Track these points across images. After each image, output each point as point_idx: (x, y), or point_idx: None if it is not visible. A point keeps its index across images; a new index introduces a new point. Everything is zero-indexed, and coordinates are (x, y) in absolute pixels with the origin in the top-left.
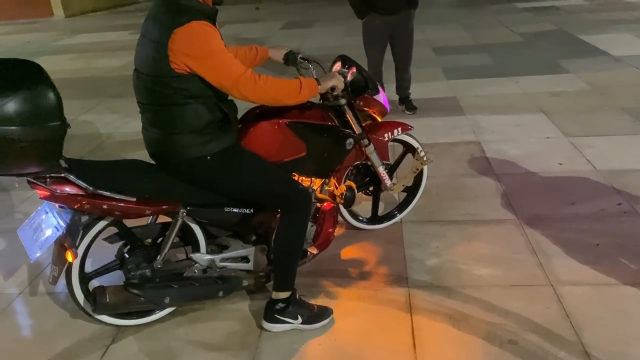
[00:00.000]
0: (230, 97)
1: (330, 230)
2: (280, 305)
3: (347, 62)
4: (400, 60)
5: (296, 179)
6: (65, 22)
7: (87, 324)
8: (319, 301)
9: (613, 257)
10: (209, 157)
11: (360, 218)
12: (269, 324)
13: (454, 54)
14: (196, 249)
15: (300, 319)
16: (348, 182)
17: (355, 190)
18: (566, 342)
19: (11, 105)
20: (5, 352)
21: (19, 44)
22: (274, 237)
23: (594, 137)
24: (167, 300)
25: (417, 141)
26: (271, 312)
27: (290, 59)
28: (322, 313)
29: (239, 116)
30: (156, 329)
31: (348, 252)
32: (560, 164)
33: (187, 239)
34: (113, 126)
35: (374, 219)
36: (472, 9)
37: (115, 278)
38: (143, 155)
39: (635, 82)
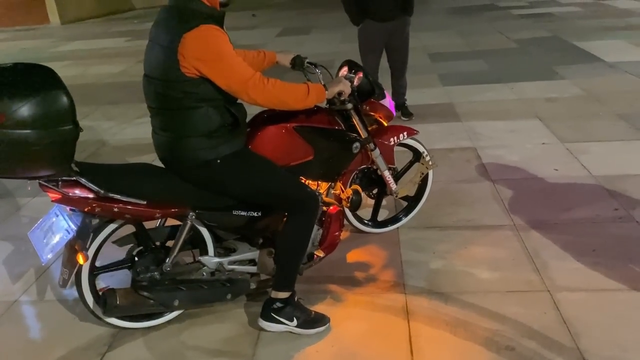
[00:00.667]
0: (239, 101)
1: (337, 233)
2: (278, 304)
3: (353, 67)
4: (396, 67)
5: (304, 182)
6: (61, 28)
7: (82, 332)
8: (316, 307)
9: (609, 262)
10: (219, 161)
11: (365, 222)
12: (264, 322)
13: (449, 60)
14: (204, 252)
15: (295, 322)
16: (354, 186)
17: (362, 194)
18: (564, 348)
19: (25, 109)
20: None
21: (15, 50)
22: (279, 237)
23: (590, 143)
24: (176, 303)
25: (423, 145)
26: (268, 311)
27: (298, 63)
28: (319, 320)
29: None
30: (152, 336)
31: (345, 258)
32: (556, 169)
33: (195, 242)
34: (109, 133)
35: (375, 221)
36: (467, 16)
37: (116, 283)
38: (140, 161)
39: (629, 88)
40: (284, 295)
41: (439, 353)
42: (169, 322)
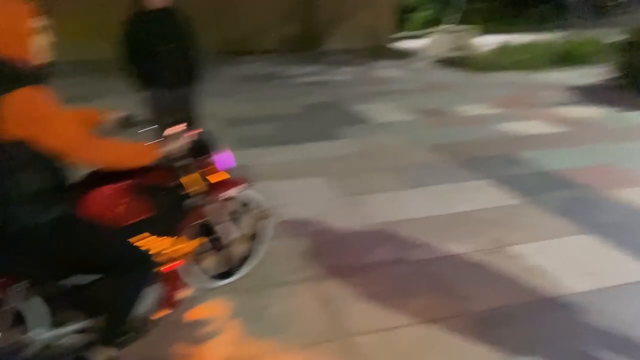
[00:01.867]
0: (64, 162)
1: (177, 290)
2: None
3: (188, 124)
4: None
5: (147, 238)
6: None
7: None
8: None
9: (395, 301)
10: (42, 226)
11: (208, 276)
12: None
13: (242, 125)
14: (36, 324)
15: None
16: (198, 239)
17: (207, 246)
18: None
19: None
20: None
21: None
22: (108, 298)
23: (369, 195)
24: None
25: (257, 197)
26: None
27: (128, 121)
28: None
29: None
30: None
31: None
32: (344, 221)
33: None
34: None
35: (221, 274)
36: (256, 83)
37: None
38: None
39: (394, 144)
40: (110, 352)
41: None
42: None
